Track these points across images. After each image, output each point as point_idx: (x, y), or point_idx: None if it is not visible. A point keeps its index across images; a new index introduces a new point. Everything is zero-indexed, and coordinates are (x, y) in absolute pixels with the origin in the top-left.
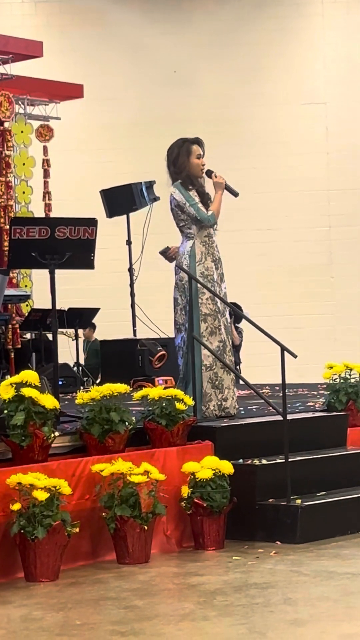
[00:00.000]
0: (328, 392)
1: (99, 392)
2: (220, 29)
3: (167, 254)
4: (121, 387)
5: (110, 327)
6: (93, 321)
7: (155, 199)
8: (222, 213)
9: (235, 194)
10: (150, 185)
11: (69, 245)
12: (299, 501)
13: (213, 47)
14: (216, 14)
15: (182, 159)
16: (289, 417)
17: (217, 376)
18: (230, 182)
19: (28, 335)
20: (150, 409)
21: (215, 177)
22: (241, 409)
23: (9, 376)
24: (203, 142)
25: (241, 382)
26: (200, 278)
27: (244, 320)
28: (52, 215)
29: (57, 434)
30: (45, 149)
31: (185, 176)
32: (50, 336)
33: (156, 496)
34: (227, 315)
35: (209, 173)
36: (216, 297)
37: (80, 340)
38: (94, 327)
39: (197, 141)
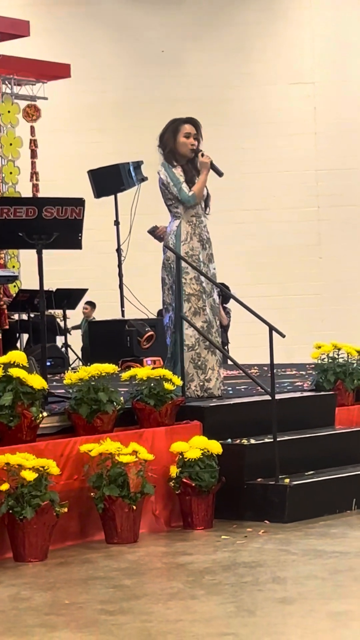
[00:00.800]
0: (316, 372)
1: (87, 373)
2: (208, 9)
3: (155, 233)
4: (109, 368)
5: (99, 307)
6: (93, 300)
7: (143, 179)
8: (210, 194)
9: (220, 174)
10: (137, 165)
11: (57, 225)
12: (287, 480)
13: (200, 27)
14: None
15: (167, 136)
16: (277, 397)
17: (199, 357)
18: (218, 163)
19: (16, 316)
20: (138, 389)
21: (202, 156)
22: (229, 388)
23: None
24: (198, 122)
25: (230, 362)
26: (185, 258)
27: (232, 300)
28: (40, 195)
29: (45, 414)
30: (32, 129)
31: (168, 152)
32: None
33: (145, 476)
34: (215, 296)
35: (197, 152)
36: (204, 277)
37: (69, 321)
38: (93, 305)
39: (189, 120)
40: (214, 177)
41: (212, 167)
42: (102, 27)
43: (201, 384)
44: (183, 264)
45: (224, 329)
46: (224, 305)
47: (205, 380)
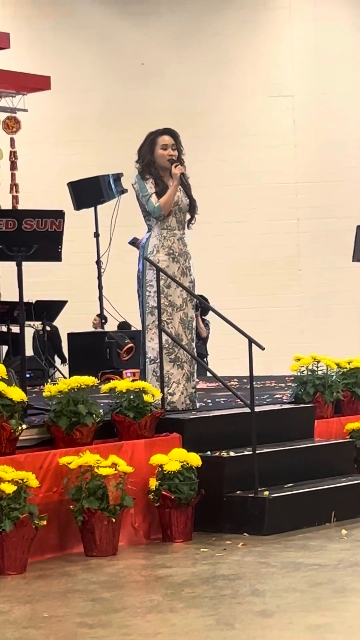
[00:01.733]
0: (295, 384)
1: (67, 385)
2: (188, 21)
3: (136, 244)
4: (89, 380)
5: (78, 319)
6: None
7: (123, 191)
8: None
9: (186, 185)
10: (117, 177)
11: (36, 237)
12: (266, 493)
13: (180, 39)
14: (184, 6)
15: (144, 149)
16: (257, 409)
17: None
18: (198, 174)
19: None
20: (118, 401)
21: (175, 167)
22: (209, 401)
23: None
24: (176, 133)
25: (209, 374)
26: (150, 272)
27: (211, 312)
28: (20, 207)
29: (24, 426)
30: (12, 141)
31: (145, 165)
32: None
33: (124, 488)
34: (188, 310)
35: (172, 162)
36: (184, 289)
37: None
38: (104, 318)
39: (166, 132)
40: (196, 188)
41: (182, 179)
42: (83, 39)
43: (165, 397)
44: (149, 276)
45: (203, 341)
46: (203, 317)
47: (169, 393)
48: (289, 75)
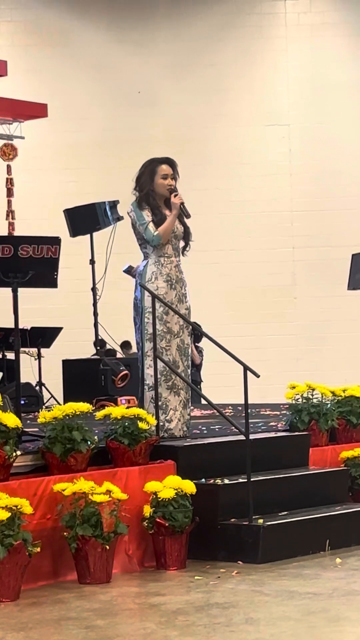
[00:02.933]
0: (290, 412)
1: (61, 411)
2: (185, 50)
3: (131, 272)
4: (83, 406)
5: (73, 346)
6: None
7: (119, 218)
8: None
9: (187, 216)
10: (114, 204)
11: (32, 263)
12: (260, 521)
13: (177, 68)
14: (180, 35)
15: (144, 178)
16: (252, 436)
17: (160, 397)
18: (194, 203)
19: None
20: (112, 428)
21: (174, 197)
22: (204, 428)
23: None
24: (174, 162)
25: (204, 401)
26: (148, 298)
27: (205, 339)
28: (16, 234)
29: (18, 453)
30: (8, 167)
31: (144, 195)
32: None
33: (118, 516)
34: (184, 337)
35: (171, 192)
36: (179, 315)
37: (43, 360)
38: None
39: (166, 161)
40: (192, 216)
41: (182, 208)
42: (80, 67)
43: (162, 424)
44: (147, 303)
45: (197, 367)
46: (196, 344)
47: (166, 420)
48: (284, 104)
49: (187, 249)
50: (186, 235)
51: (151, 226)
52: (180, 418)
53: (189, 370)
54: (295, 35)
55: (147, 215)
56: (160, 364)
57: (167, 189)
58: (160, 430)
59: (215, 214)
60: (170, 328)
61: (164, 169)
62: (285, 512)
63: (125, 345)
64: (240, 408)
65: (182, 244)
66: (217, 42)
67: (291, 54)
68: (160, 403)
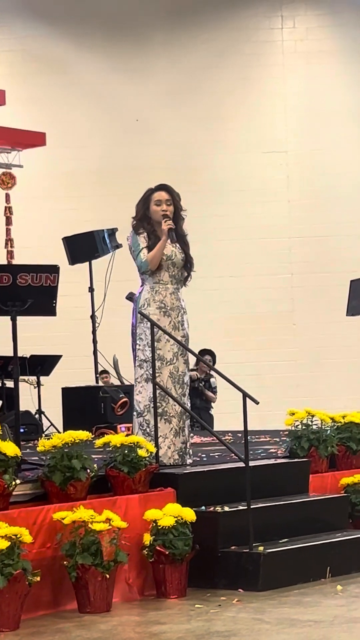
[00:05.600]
0: (290, 439)
1: (61, 440)
2: (182, 78)
3: (133, 298)
4: (83, 435)
5: (73, 374)
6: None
7: (118, 246)
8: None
9: (172, 241)
10: (112, 232)
11: (31, 292)
12: (261, 548)
13: (175, 96)
14: (178, 63)
15: (139, 206)
16: (251, 463)
17: (148, 424)
18: (193, 230)
19: None
20: (112, 456)
21: (165, 222)
22: (203, 455)
23: None
24: (168, 187)
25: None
26: (141, 325)
27: (203, 366)
28: (14, 262)
29: (18, 481)
30: (7, 196)
31: (138, 220)
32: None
33: (118, 544)
34: (179, 364)
35: (164, 217)
36: (176, 342)
37: (43, 388)
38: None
39: (160, 188)
40: (191, 243)
41: (169, 234)
42: (78, 95)
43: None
44: (140, 329)
45: (207, 408)
46: (207, 380)
47: None
48: (282, 132)
49: (189, 279)
50: (189, 265)
51: (143, 252)
52: (170, 446)
53: (185, 398)
54: (292, 62)
55: (142, 241)
56: (150, 391)
57: (160, 215)
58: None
59: (214, 241)
60: (162, 355)
61: (159, 195)
62: (286, 539)
63: (102, 372)
64: (239, 435)
65: (184, 273)
66: (214, 70)
67: (288, 82)
68: (147, 430)
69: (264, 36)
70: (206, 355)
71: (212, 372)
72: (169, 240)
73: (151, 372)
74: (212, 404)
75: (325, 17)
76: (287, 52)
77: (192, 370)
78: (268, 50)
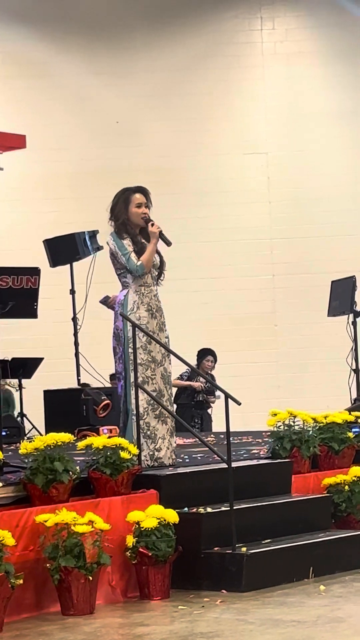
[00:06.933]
0: (272, 440)
1: (43, 442)
2: (162, 80)
3: (108, 302)
4: (65, 437)
5: (54, 376)
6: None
7: (99, 248)
8: (166, 262)
9: (168, 244)
10: (93, 234)
11: (12, 294)
12: (244, 549)
13: (155, 98)
14: (158, 66)
15: (119, 208)
16: (234, 464)
17: (149, 426)
18: (174, 232)
19: None
20: (94, 458)
21: (152, 225)
22: (186, 457)
23: None
24: (147, 190)
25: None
26: (131, 328)
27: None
28: None
29: (0, 484)
30: None
31: (120, 224)
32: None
33: (101, 546)
34: (167, 365)
35: (147, 221)
36: (161, 345)
37: (24, 390)
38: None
39: (139, 190)
40: (172, 245)
41: (161, 236)
42: (58, 98)
43: (151, 453)
44: (130, 333)
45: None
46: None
47: (156, 449)
48: (262, 133)
49: (162, 278)
50: (161, 265)
51: (133, 256)
52: (168, 447)
53: (172, 399)
54: (272, 64)
55: (128, 245)
56: (144, 394)
57: (141, 218)
58: (150, 459)
59: (195, 243)
60: (154, 357)
61: (138, 197)
62: (269, 540)
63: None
64: (222, 436)
65: (155, 273)
66: (194, 72)
67: (268, 83)
68: (149, 432)
69: (243, 38)
70: (208, 355)
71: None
72: (164, 244)
73: (145, 375)
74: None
75: (305, 19)
76: (266, 54)
77: (196, 382)
78: (248, 52)
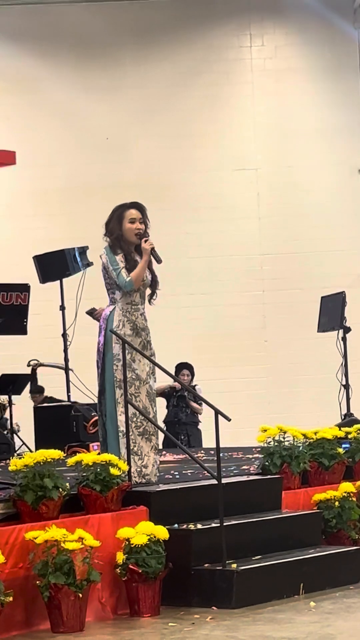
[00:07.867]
0: (262, 456)
1: (33, 459)
2: (152, 96)
3: (94, 314)
4: (55, 453)
5: (44, 392)
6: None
7: (89, 264)
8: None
9: (158, 261)
10: (83, 250)
11: (2, 311)
12: (234, 565)
13: (145, 114)
14: (148, 82)
15: (113, 223)
16: (224, 480)
17: (135, 442)
18: (164, 247)
19: None
20: (84, 474)
21: (145, 242)
22: (176, 473)
23: None
24: (143, 206)
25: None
26: (116, 345)
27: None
28: None
29: None
30: None
31: (114, 239)
32: None
33: (91, 563)
34: (152, 382)
35: (141, 237)
36: (150, 361)
37: (14, 407)
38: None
39: (134, 205)
40: (164, 260)
41: (153, 253)
42: (48, 114)
43: (138, 469)
44: (115, 350)
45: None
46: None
47: (143, 466)
48: (252, 149)
49: (154, 297)
50: (153, 284)
51: (124, 272)
52: (154, 463)
53: (157, 416)
54: (261, 80)
55: (120, 260)
56: (130, 411)
57: (135, 234)
58: (138, 475)
59: (185, 258)
60: (139, 375)
61: (132, 213)
62: (259, 557)
63: (38, 389)
64: (212, 452)
65: (148, 291)
66: (184, 88)
67: (257, 99)
68: (135, 449)
69: (233, 54)
70: (184, 370)
71: (194, 382)
72: (154, 261)
73: (130, 392)
74: (200, 417)
75: (294, 36)
76: (256, 70)
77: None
78: (237, 69)
